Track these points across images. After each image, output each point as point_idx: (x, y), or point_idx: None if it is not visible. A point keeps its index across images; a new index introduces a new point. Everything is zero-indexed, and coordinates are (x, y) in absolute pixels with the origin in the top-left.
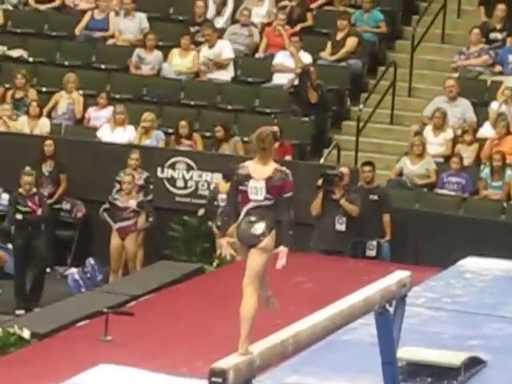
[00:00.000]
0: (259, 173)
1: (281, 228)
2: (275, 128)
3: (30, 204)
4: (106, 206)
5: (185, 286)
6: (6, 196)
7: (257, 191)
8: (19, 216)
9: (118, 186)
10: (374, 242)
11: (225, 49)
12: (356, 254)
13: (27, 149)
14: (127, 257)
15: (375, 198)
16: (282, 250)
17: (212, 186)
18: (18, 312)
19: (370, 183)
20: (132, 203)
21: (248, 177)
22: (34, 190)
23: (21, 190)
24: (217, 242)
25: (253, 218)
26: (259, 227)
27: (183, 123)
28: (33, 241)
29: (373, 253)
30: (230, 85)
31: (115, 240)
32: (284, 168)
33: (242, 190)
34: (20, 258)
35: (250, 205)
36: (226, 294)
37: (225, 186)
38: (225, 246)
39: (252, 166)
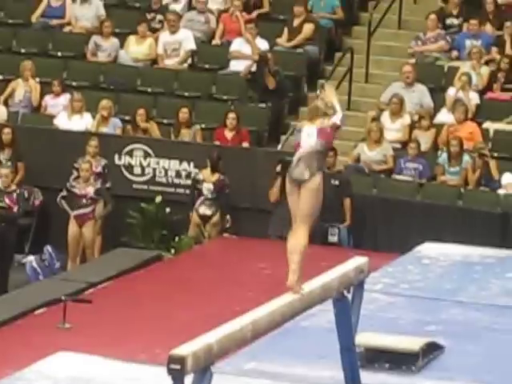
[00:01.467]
0: (311, 124)
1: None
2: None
3: (6, 200)
4: (64, 193)
5: (143, 273)
6: None
7: (310, 136)
8: None
9: (75, 174)
10: (336, 229)
11: (187, 39)
12: (315, 240)
13: None
14: (85, 244)
15: (336, 183)
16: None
17: (194, 175)
18: None
19: (331, 168)
20: (90, 191)
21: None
22: (14, 187)
23: None
24: (191, 229)
25: (304, 162)
26: (313, 165)
27: (141, 111)
28: (4, 236)
29: (335, 239)
30: (187, 72)
31: (73, 227)
32: (333, 118)
33: (297, 142)
34: None
35: (302, 149)
36: (184, 280)
37: (210, 176)
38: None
39: (305, 123)
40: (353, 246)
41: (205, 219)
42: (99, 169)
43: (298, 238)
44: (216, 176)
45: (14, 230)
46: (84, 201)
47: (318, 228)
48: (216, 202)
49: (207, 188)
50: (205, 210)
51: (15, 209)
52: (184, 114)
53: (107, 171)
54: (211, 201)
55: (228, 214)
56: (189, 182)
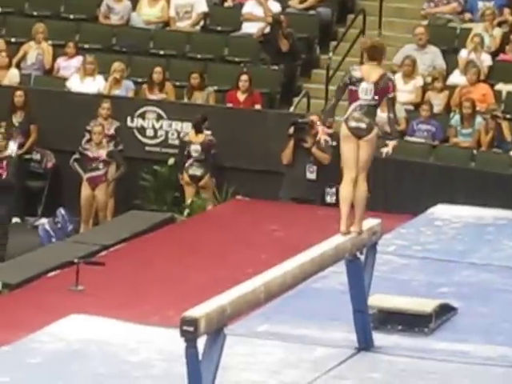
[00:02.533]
0: (369, 77)
1: (389, 123)
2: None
3: None
4: (77, 156)
5: (156, 235)
6: None
7: (366, 92)
8: None
9: (88, 136)
10: (333, 189)
11: (199, 2)
12: (325, 202)
13: None
14: (98, 207)
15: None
16: (392, 142)
17: (182, 136)
18: None
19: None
20: (102, 153)
21: (361, 79)
22: (6, 153)
23: None
24: (186, 191)
25: (360, 114)
26: (369, 121)
27: (158, 69)
28: None
29: (332, 199)
30: (200, 34)
31: (86, 190)
32: (389, 73)
33: (352, 90)
34: None
35: (359, 102)
36: (197, 242)
37: (196, 137)
38: (321, 132)
39: (364, 70)
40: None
41: (194, 180)
42: (112, 131)
43: (359, 186)
44: (202, 137)
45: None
46: (96, 163)
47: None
48: (205, 163)
49: (194, 149)
50: (194, 170)
51: (4, 175)
52: (195, 79)
53: (120, 134)
54: (200, 162)
55: (213, 175)
56: None
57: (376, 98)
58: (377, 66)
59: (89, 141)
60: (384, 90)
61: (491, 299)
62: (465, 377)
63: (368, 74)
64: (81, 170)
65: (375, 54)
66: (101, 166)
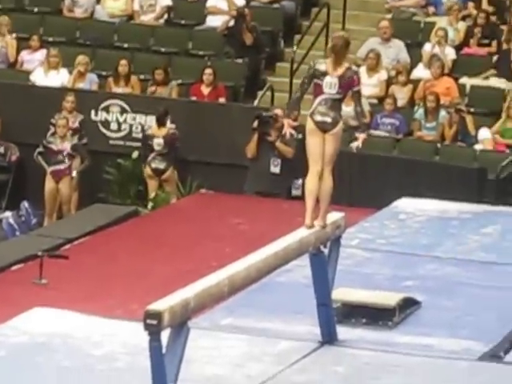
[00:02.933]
0: (334, 71)
1: (357, 117)
2: (347, 35)
3: None
4: (41, 149)
5: (120, 228)
6: None
7: (331, 86)
8: None
9: (52, 129)
10: (300, 181)
11: None
12: (289, 195)
13: None
14: (62, 200)
15: (300, 136)
16: (361, 135)
17: (146, 130)
18: None
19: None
20: (66, 146)
21: (325, 73)
22: None
23: None
24: (149, 184)
25: (326, 109)
26: (334, 115)
27: (123, 62)
28: None
29: (298, 191)
30: (164, 27)
31: (50, 183)
32: (354, 66)
33: (317, 83)
34: None
35: (324, 96)
36: (161, 236)
37: (159, 131)
38: (286, 125)
39: (328, 65)
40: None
41: (157, 173)
42: (76, 124)
43: (325, 180)
44: (165, 130)
45: None
46: (60, 157)
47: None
48: (168, 157)
49: (157, 143)
50: (157, 164)
51: None
52: (159, 74)
53: (84, 127)
54: (163, 155)
55: (176, 168)
56: None
57: (340, 91)
58: (341, 60)
59: (53, 134)
60: (349, 83)
61: (455, 293)
62: (429, 370)
63: (332, 68)
64: (45, 163)
65: (340, 49)
66: (65, 159)
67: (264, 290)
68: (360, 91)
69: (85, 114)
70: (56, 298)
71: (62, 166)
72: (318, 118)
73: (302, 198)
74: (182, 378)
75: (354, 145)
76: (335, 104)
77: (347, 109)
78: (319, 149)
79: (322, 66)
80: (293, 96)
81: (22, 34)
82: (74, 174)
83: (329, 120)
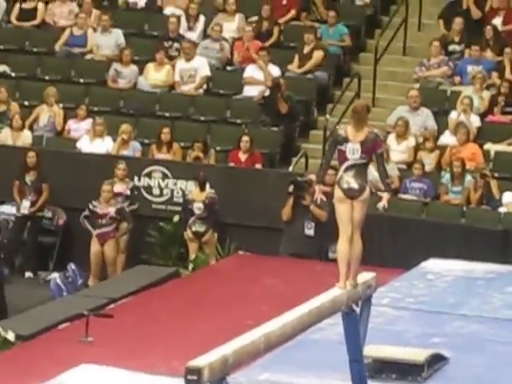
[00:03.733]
0: (355, 136)
1: (381, 178)
2: (367, 102)
3: None
4: (86, 213)
5: (161, 288)
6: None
7: (353, 152)
8: None
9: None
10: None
11: (202, 66)
12: (323, 257)
13: (11, 160)
14: (107, 261)
15: None
16: (385, 195)
17: (187, 195)
18: None
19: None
20: (111, 210)
21: (346, 139)
22: None
23: None
24: (189, 246)
25: (351, 176)
26: (360, 183)
27: (166, 130)
28: None
29: (335, 254)
30: (203, 97)
31: (95, 246)
32: (376, 130)
33: (341, 150)
34: None
35: (349, 163)
36: (200, 296)
37: (198, 194)
38: (317, 191)
39: (350, 131)
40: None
41: (197, 236)
42: (128, 191)
43: (355, 243)
44: (205, 194)
45: None
46: (105, 220)
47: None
48: (207, 220)
49: (197, 207)
50: (197, 227)
51: None
52: (198, 148)
53: (135, 193)
54: (202, 219)
55: (216, 231)
56: None
57: (364, 156)
58: (362, 126)
59: (97, 198)
60: (372, 147)
61: (481, 349)
62: None
63: (353, 134)
64: (90, 226)
65: (360, 115)
66: (109, 222)
67: (298, 347)
68: (383, 153)
69: (129, 179)
70: (101, 355)
71: (106, 229)
72: (345, 185)
73: (334, 260)
74: None
75: (380, 205)
76: (360, 169)
77: (375, 173)
78: (348, 215)
79: (343, 131)
80: (321, 163)
81: (69, 103)
82: (124, 236)
83: (355, 187)
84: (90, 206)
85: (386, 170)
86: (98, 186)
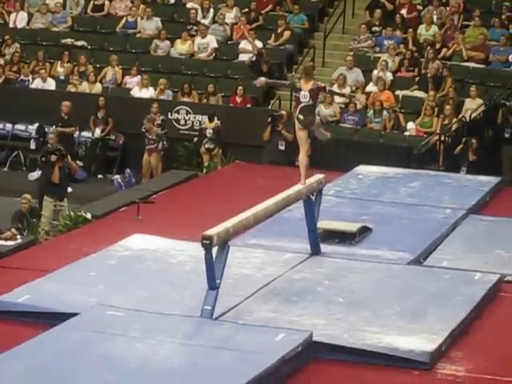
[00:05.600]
0: (305, 87)
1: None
2: (312, 64)
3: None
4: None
5: (186, 185)
6: (85, 133)
7: (304, 96)
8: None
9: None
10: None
11: (212, 41)
12: (290, 164)
13: (88, 102)
14: (152, 167)
15: None
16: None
17: (202, 124)
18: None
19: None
20: (152, 135)
21: (300, 89)
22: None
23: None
24: (204, 158)
25: (305, 112)
26: (310, 117)
27: (185, 86)
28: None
29: (297, 163)
30: (213, 61)
31: (145, 156)
32: (318, 82)
33: (297, 97)
34: None
35: (302, 104)
36: (211, 190)
37: (209, 124)
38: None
39: (302, 83)
40: (314, 168)
41: (209, 151)
42: (159, 121)
43: (305, 157)
44: (213, 124)
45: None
46: (150, 141)
47: (292, 157)
48: (215, 141)
49: (209, 132)
50: (209, 145)
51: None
52: (210, 87)
53: (165, 123)
54: (212, 140)
55: (221, 147)
56: None
57: (311, 99)
58: (309, 79)
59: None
60: (316, 92)
61: (392, 223)
62: (375, 270)
63: (304, 85)
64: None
65: (308, 72)
66: (152, 142)
67: (275, 222)
68: (326, 88)
69: (165, 114)
70: (147, 228)
71: (151, 146)
72: (301, 118)
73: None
74: (225, 276)
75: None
76: (310, 108)
77: (326, 111)
78: (305, 137)
79: (298, 84)
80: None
81: (125, 66)
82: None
83: (307, 119)
84: (143, 129)
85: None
86: (144, 118)
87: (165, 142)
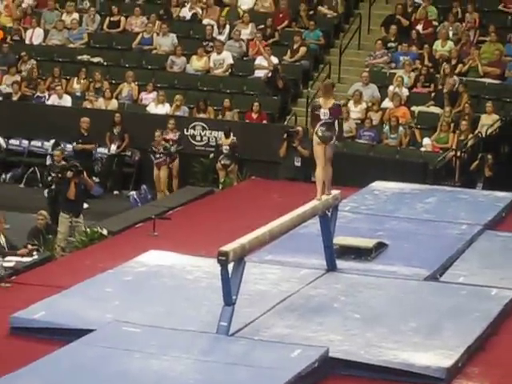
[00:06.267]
0: (325, 104)
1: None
2: (333, 81)
3: None
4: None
5: (202, 201)
6: (101, 149)
7: (324, 114)
8: None
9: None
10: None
11: (228, 57)
12: (307, 180)
13: (104, 119)
14: (161, 181)
15: None
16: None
17: (218, 140)
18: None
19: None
20: (160, 148)
21: (320, 106)
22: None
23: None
24: (220, 174)
25: (324, 129)
26: (329, 134)
27: (201, 102)
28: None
29: (315, 179)
30: (228, 77)
31: (155, 170)
32: (338, 101)
33: (317, 114)
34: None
35: (322, 121)
36: (227, 206)
37: (225, 140)
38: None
39: (321, 101)
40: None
41: (225, 167)
42: (176, 137)
43: (327, 171)
44: (229, 140)
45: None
46: (158, 154)
47: (308, 173)
48: (231, 157)
49: (225, 148)
50: (225, 161)
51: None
52: (226, 103)
53: (181, 139)
54: (228, 156)
55: (237, 163)
56: None
57: (331, 117)
58: (329, 97)
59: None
60: (335, 112)
61: (408, 239)
62: (392, 286)
63: (324, 102)
64: (153, 157)
65: (327, 89)
66: (160, 155)
67: (291, 238)
68: (342, 118)
69: (181, 130)
70: (163, 244)
71: (159, 160)
72: (320, 135)
73: (314, 182)
74: (241, 293)
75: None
76: (329, 125)
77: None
78: (322, 153)
79: (317, 103)
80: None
81: (141, 82)
82: (176, 167)
83: (326, 135)
84: (152, 146)
85: (342, 128)
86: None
87: (175, 158)
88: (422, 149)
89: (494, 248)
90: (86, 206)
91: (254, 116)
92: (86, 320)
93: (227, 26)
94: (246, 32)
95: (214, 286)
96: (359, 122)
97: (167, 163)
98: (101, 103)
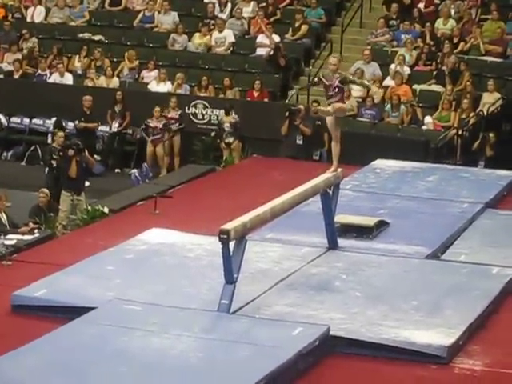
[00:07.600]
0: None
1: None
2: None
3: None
4: (143, 126)
5: (203, 179)
6: (102, 128)
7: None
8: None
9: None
10: (318, 152)
11: (229, 36)
12: (308, 158)
13: (106, 97)
14: (158, 158)
15: (319, 123)
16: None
17: (219, 118)
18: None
19: (317, 114)
20: (159, 125)
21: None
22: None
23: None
24: (223, 152)
25: (333, 100)
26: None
27: (204, 78)
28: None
29: (316, 157)
30: (230, 55)
31: (149, 148)
32: (342, 73)
33: (326, 85)
34: None
35: (330, 93)
36: (228, 184)
37: (226, 118)
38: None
39: (330, 76)
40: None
41: (228, 145)
42: (177, 115)
43: (337, 146)
44: (230, 118)
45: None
46: (156, 131)
47: (309, 151)
48: (233, 134)
49: (227, 126)
50: (228, 139)
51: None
52: (227, 82)
53: (182, 117)
54: (230, 134)
55: (239, 141)
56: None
57: (338, 90)
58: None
59: (151, 117)
60: (342, 83)
61: (410, 217)
62: (393, 264)
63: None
64: (145, 135)
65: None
66: (158, 132)
67: (292, 216)
68: (344, 89)
69: (182, 109)
70: (164, 222)
71: (157, 137)
72: (329, 107)
73: (317, 161)
74: (242, 271)
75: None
76: (338, 96)
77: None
78: (334, 123)
79: (327, 76)
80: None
81: (142, 60)
82: (177, 144)
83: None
84: (146, 122)
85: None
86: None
87: (175, 135)
88: (424, 127)
89: (495, 226)
90: (87, 184)
91: (256, 94)
92: (87, 298)
93: (229, 4)
94: (248, 10)
95: (215, 264)
96: (361, 100)
97: (164, 140)
98: (102, 81)
